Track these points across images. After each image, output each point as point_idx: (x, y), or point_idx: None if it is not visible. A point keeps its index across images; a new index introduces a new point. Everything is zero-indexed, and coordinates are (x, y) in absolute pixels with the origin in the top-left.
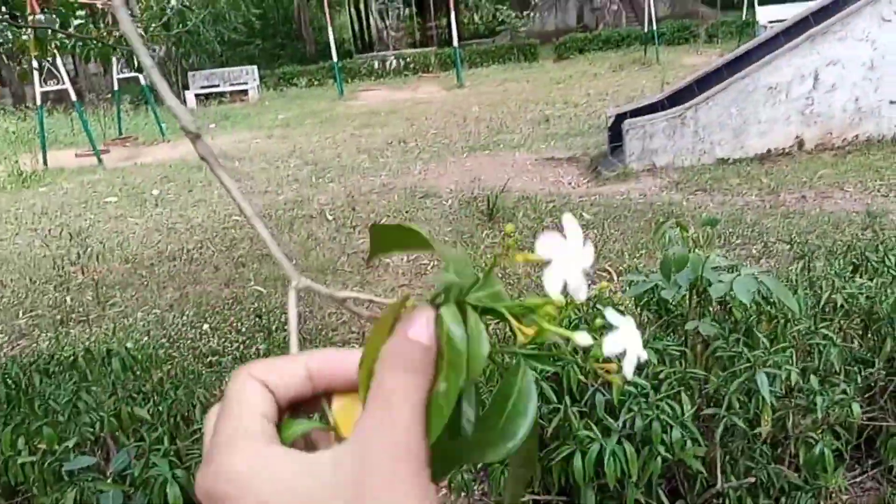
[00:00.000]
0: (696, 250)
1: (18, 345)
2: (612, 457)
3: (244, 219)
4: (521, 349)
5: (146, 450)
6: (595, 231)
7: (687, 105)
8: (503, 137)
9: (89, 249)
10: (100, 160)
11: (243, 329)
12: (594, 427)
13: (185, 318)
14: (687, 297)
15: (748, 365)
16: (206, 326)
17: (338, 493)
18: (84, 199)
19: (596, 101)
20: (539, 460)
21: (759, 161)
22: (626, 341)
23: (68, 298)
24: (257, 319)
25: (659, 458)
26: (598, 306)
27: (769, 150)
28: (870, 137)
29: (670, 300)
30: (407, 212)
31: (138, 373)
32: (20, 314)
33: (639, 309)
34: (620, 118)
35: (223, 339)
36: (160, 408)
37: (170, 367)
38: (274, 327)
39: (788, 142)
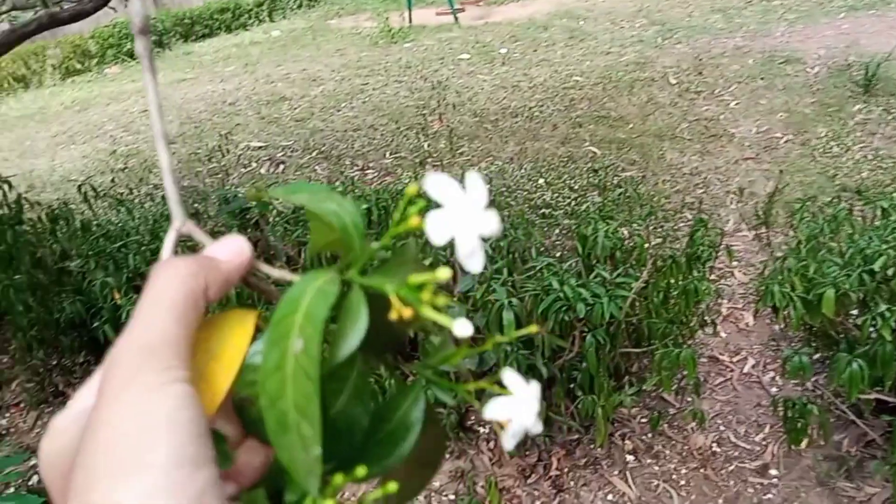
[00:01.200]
0: None
1: (384, 181)
2: None
3: (584, 80)
4: (425, 366)
5: (488, 277)
6: None
7: None
8: None
9: (445, 101)
10: (456, 19)
11: (576, 186)
12: None
13: (523, 171)
14: None
15: None
16: (541, 181)
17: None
18: (441, 55)
19: None
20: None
21: None
22: (515, 410)
23: (426, 144)
24: (590, 177)
25: None
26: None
27: None
28: None
29: None
30: (762, 78)
31: None
32: (387, 154)
33: None
34: None
35: (556, 195)
36: (501, 244)
37: (507, 213)
38: (606, 185)
39: None
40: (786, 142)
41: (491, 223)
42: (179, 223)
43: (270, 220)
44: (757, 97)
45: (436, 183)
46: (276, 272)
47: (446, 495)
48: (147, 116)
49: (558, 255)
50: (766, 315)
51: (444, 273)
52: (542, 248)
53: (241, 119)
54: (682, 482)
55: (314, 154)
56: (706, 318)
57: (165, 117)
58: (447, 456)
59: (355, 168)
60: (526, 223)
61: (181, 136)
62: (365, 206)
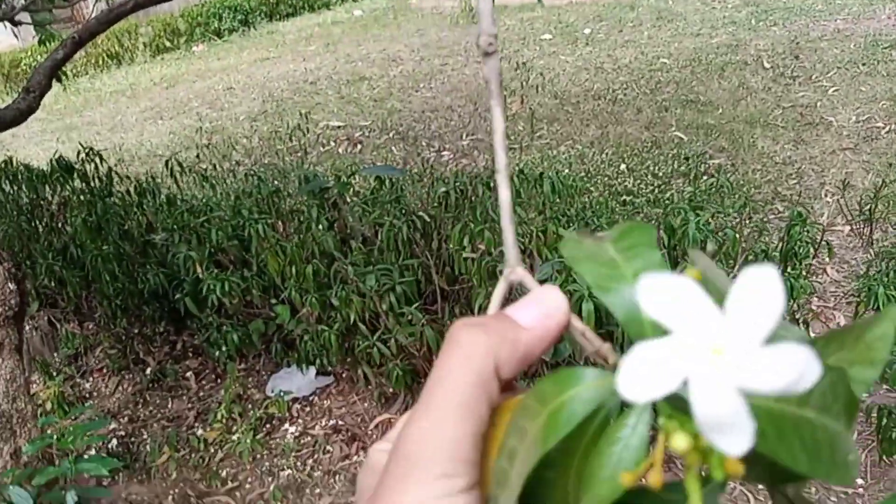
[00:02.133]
0: None
1: (461, 163)
2: None
3: (672, 62)
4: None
5: (567, 267)
6: None
7: None
8: None
9: (526, 83)
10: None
11: (660, 174)
12: None
13: (604, 155)
14: None
15: None
16: (623, 166)
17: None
18: (523, 35)
19: None
20: None
21: None
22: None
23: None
24: (676, 165)
25: None
26: None
27: None
28: None
29: None
30: (864, 64)
31: (564, 197)
32: (463, 136)
33: None
34: None
35: (639, 181)
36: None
37: (587, 199)
38: (693, 175)
39: None
40: (888, 132)
41: (786, 368)
42: (510, 269)
43: (349, 199)
44: (858, 84)
45: (660, 288)
46: (595, 340)
47: None
48: (231, 94)
49: None
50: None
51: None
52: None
53: (321, 98)
54: (761, 486)
55: (391, 135)
56: (797, 316)
57: (249, 94)
58: None
59: (431, 149)
60: (609, 211)
61: (263, 113)
62: (443, 189)
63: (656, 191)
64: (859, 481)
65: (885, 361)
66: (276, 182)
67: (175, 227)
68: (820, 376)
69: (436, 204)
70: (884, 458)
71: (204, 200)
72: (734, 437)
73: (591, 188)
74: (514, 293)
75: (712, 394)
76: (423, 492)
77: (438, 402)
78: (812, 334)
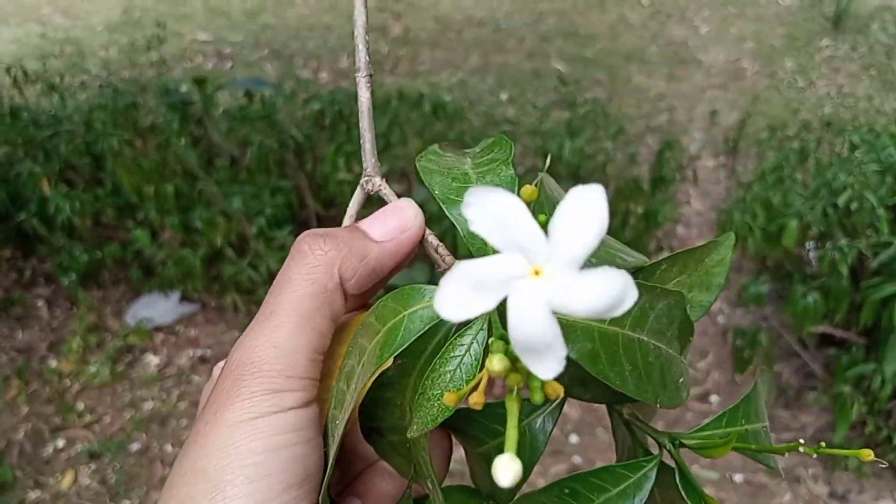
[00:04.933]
0: None
1: (340, 84)
2: None
3: None
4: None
5: None
6: None
7: None
8: None
9: (408, 4)
10: None
11: (540, 104)
12: None
13: (485, 85)
14: None
15: None
16: (504, 95)
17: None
18: None
19: None
20: (848, 294)
21: None
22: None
23: (385, 49)
24: (555, 94)
25: None
26: None
27: None
28: None
29: None
30: (733, 6)
31: (444, 121)
32: (343, 58)
33: None
34: None
35: (519, 111)
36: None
37: (467, 125)
38: (573, 100)
39: None
40: (754, 73)
41: (601, 293)
42: (367, 178)
43: (215, 116)
44: (728, 24)
45: (484, 203)
46: (447, 256)
47: None
48: (88, 1)
49: (521, 173)
50: None
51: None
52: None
53: (188, 9)
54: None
55: (265, 52)
56: (661, 244)
57: (107, 2)
58: None
59: (308, 69)
60: (485, 135)
61: (123, 24)
62: (318, 105)
63: (536, 121)
64: (714, 398)
65: (722, 286)
66: (134, 95)
67: (19, 140)
68: (654, 302)
69: (310, 123)
70: (736, 376)
71: (52, 113)
72: (547, 361)
73: (472, 117)
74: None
75: (527, 315)
76: (249, 407)
77: (276, 313)
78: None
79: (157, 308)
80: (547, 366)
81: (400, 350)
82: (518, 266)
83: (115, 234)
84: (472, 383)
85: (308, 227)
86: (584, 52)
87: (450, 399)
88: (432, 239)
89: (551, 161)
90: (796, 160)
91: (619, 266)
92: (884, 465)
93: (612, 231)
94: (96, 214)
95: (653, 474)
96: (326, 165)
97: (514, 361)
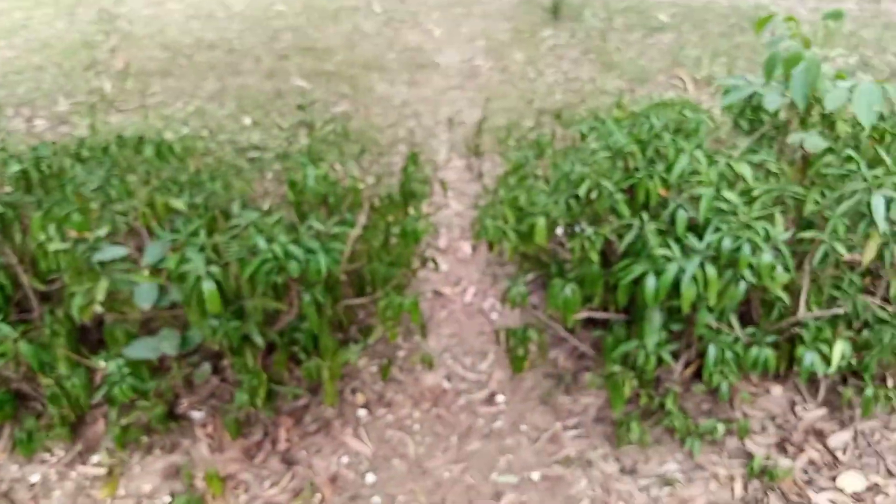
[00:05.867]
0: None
1: (59, 131)
2: (691, 280)
3: (287, 8)
4: None
5: (182, 243)
6: (671, 34)
7: None
8: None
9: (127, 34)
10: None
11: (286, 125)
12: (673, 246)
13: (225, 110)
14: (793, 105)
15: (864, 185)
16: (247, 120)
17: None
18: None
19: None
20: (602, 277)
21: None
22: None
23: (108, 85)
24: (301, 115)
25: (742, 284)
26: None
27: None
28: None
29: (771, 109)
30: (460, 6)
31: (174, 163)
32: (60, 99)
33: (732, 119)
34: None
35: (265, 135)
36: (196, 200)
37: (210, 159)
38: (313, 123)
39: None
40: (488, 69)
41: None
42: None
43: None
44: (458, 25)
45: None
46: None
47: (160, 498)
48: None
49: (269, 205)
50: (483, 242)
51: None
52: (249, 200)
53: None
54: (417, 427)
55: None
56: (426, 256)
57: None
58: (158, 452)
59: (20, 118)
60: (226, 173)
61: None
62: (17, 167)
63: (284, 143)
64: (500, 397)
65: None
66: None
67: None
68: None
69: (11, 188)
70: (515, 373)
71: None
72: None
73: (214, 146)
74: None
75: None
76: None
77: None
78: (445, 267)
79: None
80: None
81: None
82: None
83: None
84: None
85: (30, 310)
86: (325, 66)
87: None
88: None
89: (299, 190)
90: (534, 156)
91: None
92: (653, 426)
93: (375, 252)
94: None
95: None
96: (33, 234)
97: None
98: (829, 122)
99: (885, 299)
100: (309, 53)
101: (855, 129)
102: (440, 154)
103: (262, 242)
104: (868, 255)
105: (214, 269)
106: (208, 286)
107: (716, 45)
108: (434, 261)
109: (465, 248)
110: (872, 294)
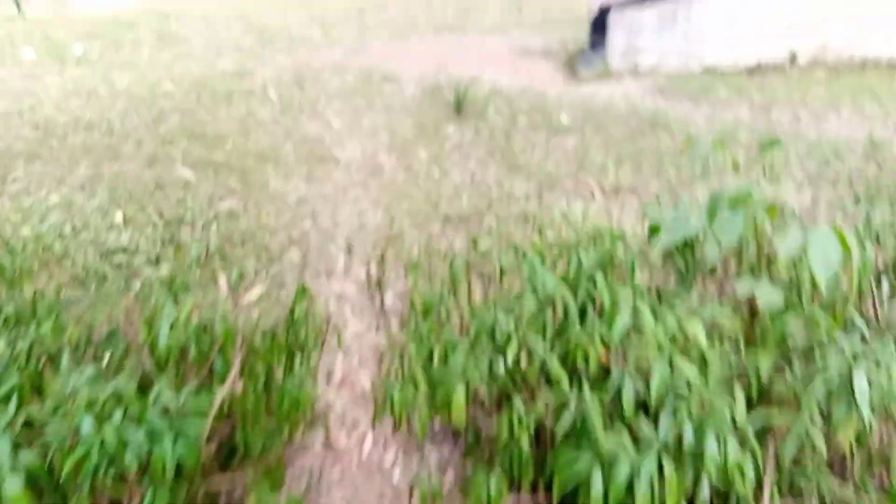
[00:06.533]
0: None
1: None
2: (648, 482)
3: (176, 88)
4: None
5: None
6: (575, 137)
7: None
8: (473, 19)
9: None
10: (18, 6)
11: (165, 222)
12: (622, 431)
13: (96, 201)
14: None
15: (841, 360)
16: (119, 215)
17: None
18: None
19: None
20: (534, 459)
21: (748, 73)
22: None
23: None
24: (183, 211)
25: (706, 482)
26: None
27: (759, 64)
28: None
29: (710, 263)
30: (363, 96)
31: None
32: None
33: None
34: (604, 12)
35: (138, 233)
36: (19, 344)
37: (67, 263)
38: (200, 224)
39: (781, 55)
40: (391, 167)
41: None
42: None
43: None
44: (360, 116)
45: None
46: None
47: None
48: None
49: (122, 346)
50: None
51: None
52: (82, 344)
53: None
54: None
55: None
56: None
57: None
58: None
59: None
60: (66, 302)
61: None
62: None
63: (160, 245)
64: None
65: None
66: None
67: None
68: None
69: None
70: None
71: None
72: None
73: (75, 246)
74: None
75: None
76: None
77: None
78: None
79: None
80: None
81: None
82: None
83: None
84: None
85: None
86: (213, 155)
87: None
88: None
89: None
90: (448, 292)
91: None
92: None
93: (249, 414)
94: None
95: None
96: None
97: None
98: (767, 260)
99: (857, 485)
100: (197, 139)
101: (797, 269)
102: (338, 261)
103: (87, 424)
104: (846, 442)
105: (27, 456)
106: (12, 487)
107: (619, 149)
108: (326, 427)
109: (364, 380)
110: (843, 480)
